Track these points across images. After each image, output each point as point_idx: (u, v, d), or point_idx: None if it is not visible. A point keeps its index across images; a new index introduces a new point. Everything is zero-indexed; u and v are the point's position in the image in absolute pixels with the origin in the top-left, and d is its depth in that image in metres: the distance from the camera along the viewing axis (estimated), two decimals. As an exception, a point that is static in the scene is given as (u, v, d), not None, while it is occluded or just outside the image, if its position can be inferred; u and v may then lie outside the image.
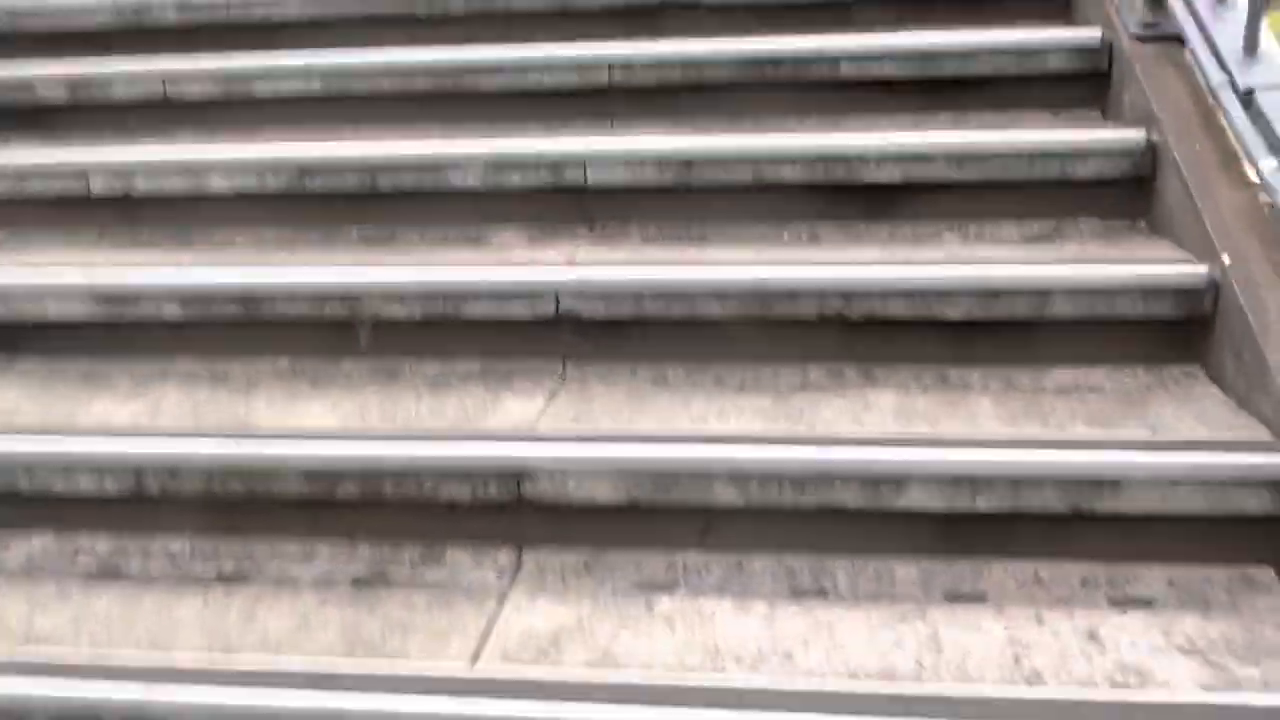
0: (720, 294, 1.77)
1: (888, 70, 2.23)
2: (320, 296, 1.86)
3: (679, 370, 1.78)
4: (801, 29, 2.47)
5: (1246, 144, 1.67)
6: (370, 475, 1.57)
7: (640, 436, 1.57)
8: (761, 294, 1.76)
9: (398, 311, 1.84)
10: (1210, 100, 1.85)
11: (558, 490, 1.54)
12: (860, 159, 1.98)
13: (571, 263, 1.89)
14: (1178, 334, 1.71)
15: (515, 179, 2.08)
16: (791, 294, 1.75)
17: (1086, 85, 2.19)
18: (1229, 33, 1.81)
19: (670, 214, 2.06)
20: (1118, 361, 1.72)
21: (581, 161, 2.05)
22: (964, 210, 1.99)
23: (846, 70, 2.24)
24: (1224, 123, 1.76)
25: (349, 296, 1.84)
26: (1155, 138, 1.91)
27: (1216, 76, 1.77)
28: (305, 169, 2.13)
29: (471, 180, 2.09)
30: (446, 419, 1.68)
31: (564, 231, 2.07)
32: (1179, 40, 2.03)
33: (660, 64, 2.29)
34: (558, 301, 1.80)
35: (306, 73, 2.39)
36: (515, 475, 1.54)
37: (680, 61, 2.28)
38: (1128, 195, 1.95)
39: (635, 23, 2.55)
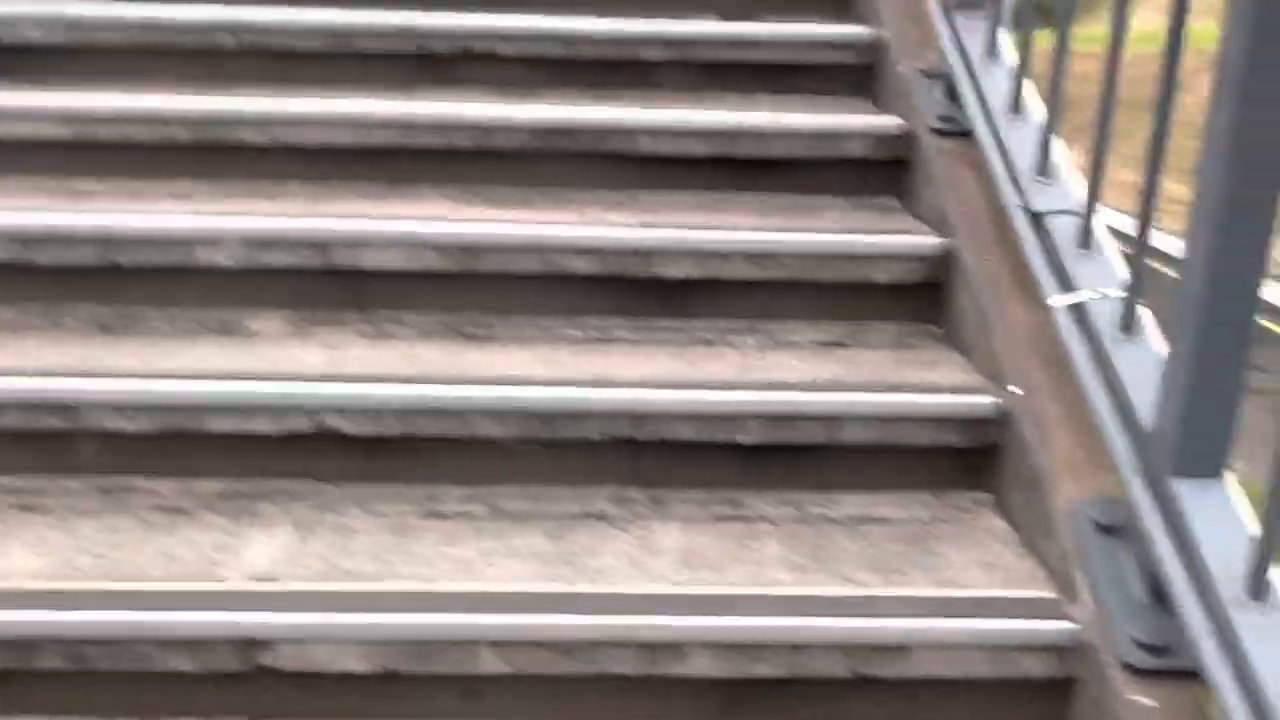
0: (498, 414, 1.60)
1: (687, 147, 2.10)
2: (32, 407, 1.59)
3: (453, 495, 1.61)
4: (605, 88, 2.33)
5: (1035, 268, 1.63)
6: (76, 643, 1.34)
7: (398, 598, 1.39)
8: (543, 415, 1.60)
9: (126, 425, 1.59)
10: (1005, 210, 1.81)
11: (302, 658, 1.34)
12: (655, 253, 1.85)
13: (331, 370, 1.68)
14: (969, 461, 1.66)
15: (277, 258, 1.84)
16: (576, 416, 1.60)
17: (888, 173, 2.13)
18: (1022, 145, 1.77)
19: (453, 303, 1.88)
20: (909, 487, 1.65)
21: (352, 242, 1.84)
22: (763, 309, 1.89)
23: (645, 145, 2.10)
24: (1016, 238, 1.72)
25: (67, 408, 1.58)
26: (951, 243, 1.86)
27: (1008, 191, 1.72)
28: (30, 240, 1.84)
29: (226, 259, 1.84)
30: (176, 564, 1.46)
31: (331, 321, 1.85)
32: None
33: (444, 126, 2.09)
34: (315, 416, 1.59)
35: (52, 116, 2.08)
36: (251, 644, 1.34)
37: (467, 125, 2.09)
38: (924, 300, 1.89)
39: (427, 71, 2.34)
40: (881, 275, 1.87)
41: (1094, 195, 1.56)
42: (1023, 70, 1.83)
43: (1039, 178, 1.70)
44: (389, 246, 1.83)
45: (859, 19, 2.49)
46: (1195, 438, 1.27)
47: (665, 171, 2.12)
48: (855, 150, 2.11)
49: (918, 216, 2.04)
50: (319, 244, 1.83)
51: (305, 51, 2.30)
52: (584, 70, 2.34)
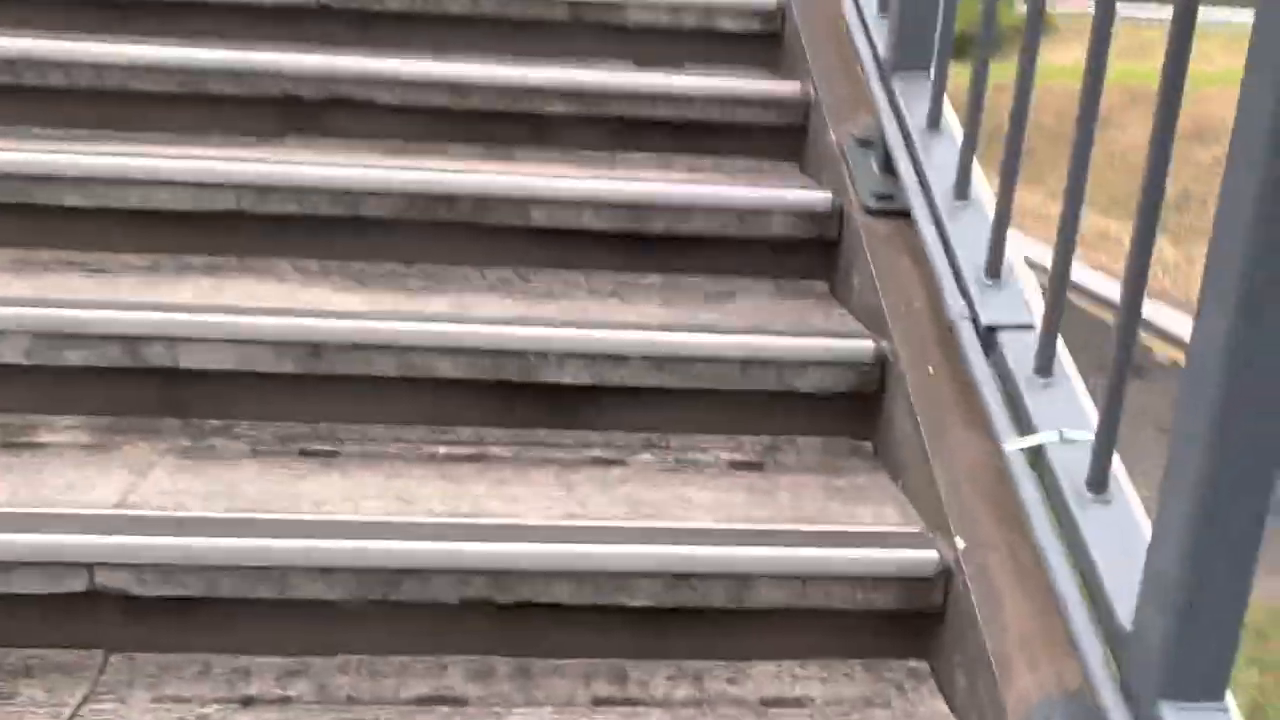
0: (326, 570, 1.27)
1: (588, 221, 1.79)
2: None
3: (267, 668, 1.28)
4: (498, 143, 2.02)
5: (984, 395, 1.35)
6: None
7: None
8: (384, 572, 1.28)
9: None
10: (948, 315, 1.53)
11: None
12: (541, 354, 1.54)
13: (126, 504, 1.34)
14: (905, 624, 1.36)
15: (76, 356, 1.50)
16: (423, 573, 1.28)
17: (816, 253, 1.84)
18: (970, 239, 1.49)
19: (293, 409, 1.54)
20: (834, 655, 1.35)
21: (168, 337, 1.50)
22: (667, 421, 1.59)
23: (539, 217, 1.79)
24: (963, 351, 1.43)
25: None
26: (885, 348, 1.57)
27: (952, 295, 1.43)
28: None
29: (13, 355, 1.49)
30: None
31: (143, 430, 1.50)
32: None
33: (307, 191, 1.76)
34: (92, 575, 1.25)
35: None
36: None
37: (334, 190, 1.76)
38: (854, 413, 1.60)
39: (293, 118, 2.00)
40: (806, 383, 1.57)
41: (1056, 310, 1.28)
42: (970, 147, 1.55)
43: (989, 280, 1.42)
44: (217, 342, 1.49)
45: (788, 73, 2.21)
46: (1191, 651, 0.99)
47: (560, 247, 1.80)
48: (779, 228, 1.81)
49: (848, 308, 1.75)
50: (131, 339, 1.49)
51: (147, 93, 1.96)
52: (475, 124, 2.02)
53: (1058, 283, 1.26)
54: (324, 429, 1.53)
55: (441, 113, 2.01)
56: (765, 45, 2.29)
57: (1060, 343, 1.30)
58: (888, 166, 1.77)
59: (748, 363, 1.55)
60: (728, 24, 2.27)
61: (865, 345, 1.56)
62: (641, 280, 1.81)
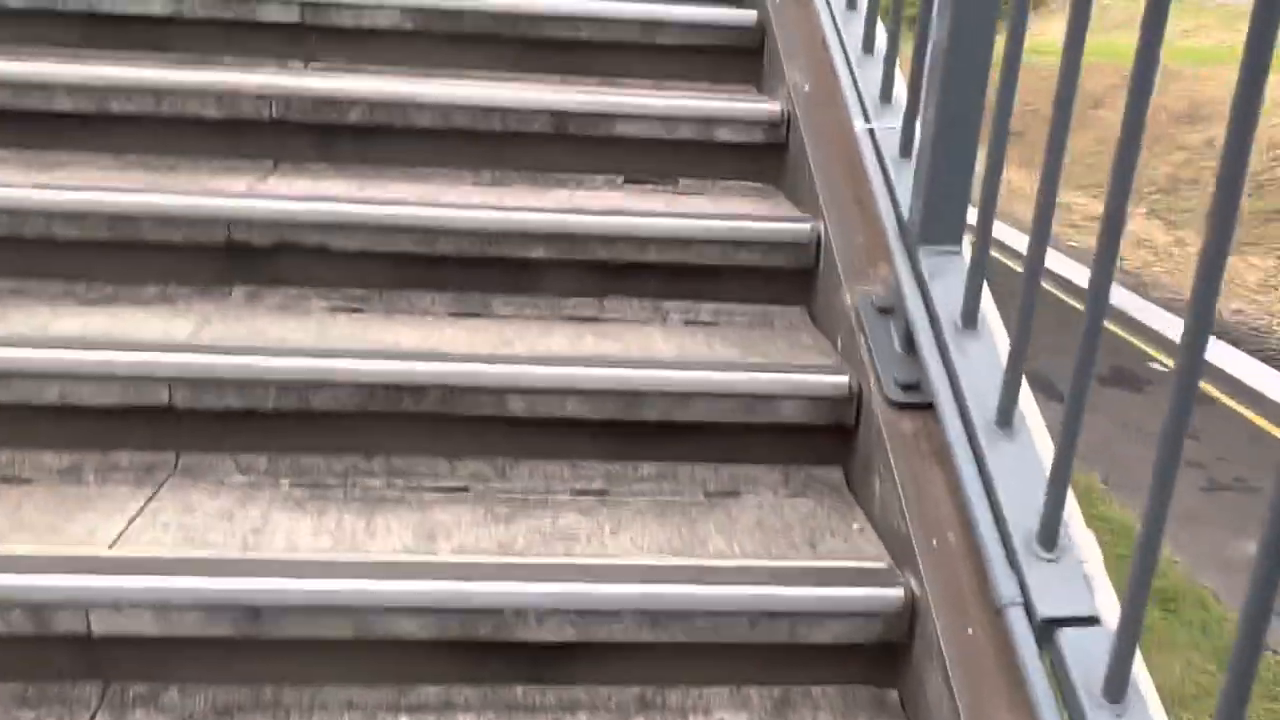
0: None
1: (573, 409, 1.55)
2: None
3: None
4: (472, 290, 1.77)
5: (1036, 695, 1.12)
6: None
7: None
8: None
9: None
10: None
11: None
12: (518, 612, 1.31)
13: None
14: None
15: (-27, 622, 1.27)
16: None
17: (829, 438, 1.61)
18: (1018, 487, 1.25)
19: (232, 673, 1.31)
20: None
21: (80, 606, 1.26)
22: (665, 675, 1.36)
23: (517, 407, 1.55)
24: (1012, 637, 1.20)
25: None
26: (915, 591, 1.34)
27: (1001, 577, 1.19)
28: None
29: (-102, 625, 1.26)
30: None
31: (57, 703, 1.28)
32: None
33: (248, 381, 1.51)
34: None
35: None
36: None
37: (277, 381, 1.52)
38: (878, 659, 1.38)
39: (240, 268, 1.75)
40: (824, 635, 1.35)
41: (1134, 626, 1.04)
42: (1018, 368, 1.30)
43: (1045, 553, 1.19)
44: (130, 609, 1.26)
45: (793, 194, 1.97)
46: None
47: (542, 436, 1.57)
48: (790, 413, 1.57)
49: (869, 516, 1.52)
50: (35, 607, 1.25)
51: (74, 242, 1.70)
52: (446, 271, 1.77)
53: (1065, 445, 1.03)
54: (268, 699, 1.30)
55: (407, 259, 1.76)
56: (769, 158, 2.04)
57: (1137, 660, 1.07)
58: (911, 343, 1.53)
59: (757, 615, 1.32)
60: (727, 135, 2.02)
61: (894, 594, 1.33)
62: (634, 471, 1.57)
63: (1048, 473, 1.21)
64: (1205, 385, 6.55)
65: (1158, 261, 11.12)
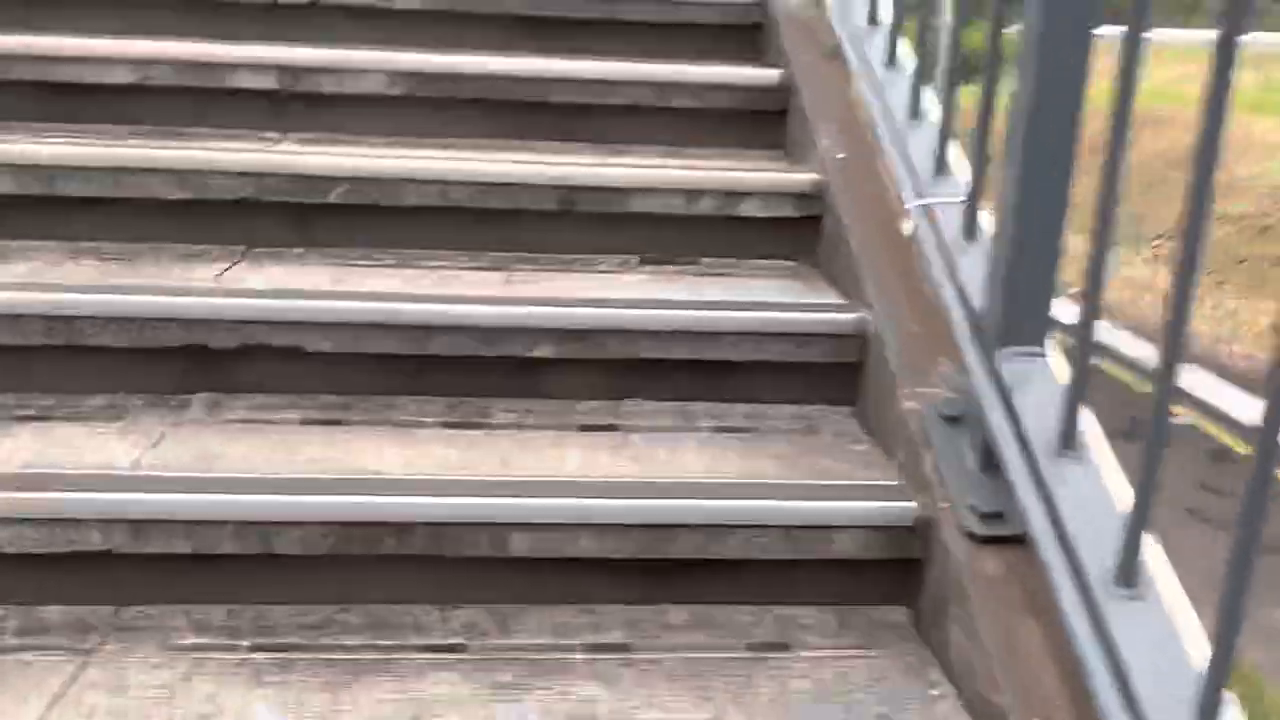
0: None
1: (586, 546, 1.29)
2: None
3: None
4: (467, 402, 1.52)
5: None
6: None
7: None
8: None
9: None
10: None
11: None
12: (522, 823, 1.04)
13: None
14: None
15: None
16: None
17: (893, 573, 1.34)
18: (1154, 664, 0.99)
19: None
20: None
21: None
22: None
23: (519, 546, 1.29)
24: None
25: None
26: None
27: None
28: None
29: None
30: None
31: None
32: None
33: (202, 523, 1.25)
34: None
35: None
36: None
37: (236, 520, 1.26)
38: None
39: (198, 374, 1.50)
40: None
41: None
42: (1144, 507, 1.04)
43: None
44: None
45: (829, 272, 1.72)
46: None
47: (551, 577, 1.31)
48: (844, 547, 1.32)
49: (948, 672, 1.25)
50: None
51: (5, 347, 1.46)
52: (437, 374, 1.52)
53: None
54: None
55: (393, 361, 1.51)
56: (801, 234, 1.79)
57: None
58: (989, 462, 1.27)
59: (823, 823, 1.05)
60: (754, 208, 1.78)
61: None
62: (662, 619, 1.30)
63: (1188, 645, 0.95)
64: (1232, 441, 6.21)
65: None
